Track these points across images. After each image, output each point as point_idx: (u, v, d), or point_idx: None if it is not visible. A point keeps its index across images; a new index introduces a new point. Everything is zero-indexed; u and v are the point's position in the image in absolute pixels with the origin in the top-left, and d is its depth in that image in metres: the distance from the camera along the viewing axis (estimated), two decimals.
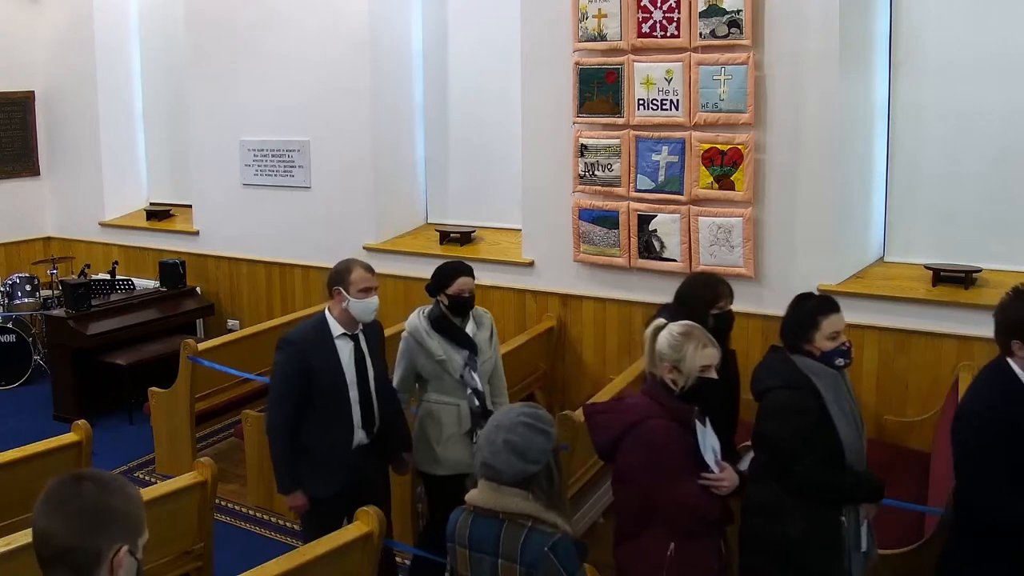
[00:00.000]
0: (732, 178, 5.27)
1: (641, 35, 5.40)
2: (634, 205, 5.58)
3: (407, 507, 4.75)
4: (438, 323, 3.97)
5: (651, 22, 5.36)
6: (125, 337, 6.87)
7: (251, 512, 5.36)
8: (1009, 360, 2.94)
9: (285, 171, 7.17)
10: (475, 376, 3.94)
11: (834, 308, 3.23)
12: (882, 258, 5.46)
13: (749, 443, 3.39)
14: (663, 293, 5.62)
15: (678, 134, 5.38)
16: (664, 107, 5.39)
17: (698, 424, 2.95)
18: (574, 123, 5.72)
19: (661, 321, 3.09)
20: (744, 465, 3.30)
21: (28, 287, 7.65)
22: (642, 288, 5.72)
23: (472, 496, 2.55)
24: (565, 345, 6.10)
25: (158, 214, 8.21)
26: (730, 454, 3.33)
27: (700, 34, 5.22)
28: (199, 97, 7.58)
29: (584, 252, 5.82)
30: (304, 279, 7.23)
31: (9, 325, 7.40)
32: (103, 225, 8.43)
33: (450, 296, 3.96)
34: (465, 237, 6.57)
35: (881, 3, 5.24)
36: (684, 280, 4.11)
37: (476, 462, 2.58)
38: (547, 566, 2.42)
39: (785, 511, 3.10)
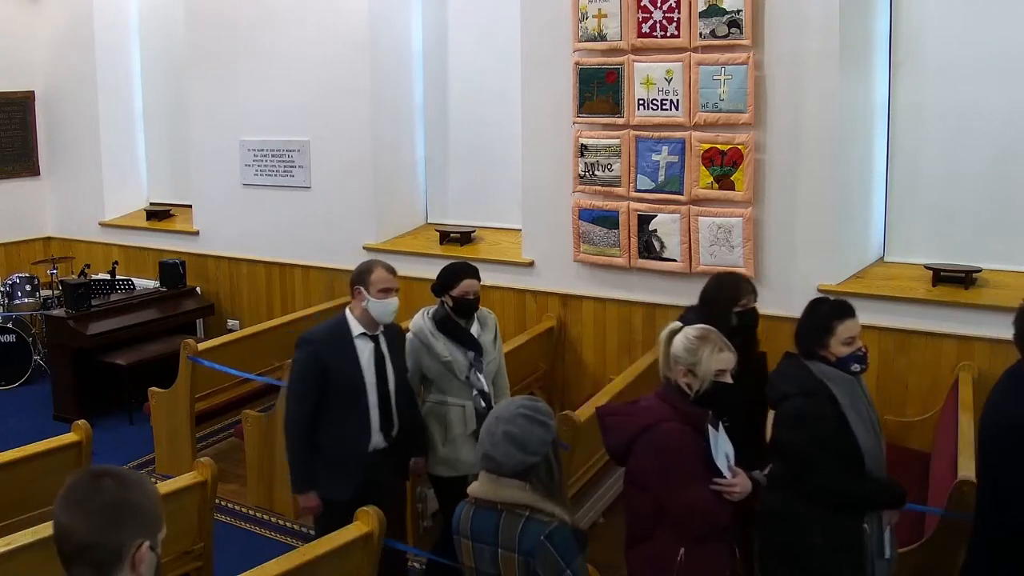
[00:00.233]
0: (732, 178, 5.27)
1: (641, 35, 5.40)
2: (634, 205, 5.58)
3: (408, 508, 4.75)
4: (443, 324, 3.96)
5: (651, 22, 5.36)
6: (125, 337, 6.87)
7: (251, 512, 5.36)
8: None
9: (285, 171, 7.17)
10: (480, 377, 3.94)
11: (849, 313, 3.19)
12: (882, 258, 5.46)
13: None
14: (663, 293, 5.65)
15: (678, 134, 5.38)
16: (664, 107, 5.39)
17: (711, 429, 2.92)
18: (574, 123, 5.72)
19: (677, 324, 3.07)
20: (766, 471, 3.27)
21: (28, 287, 7.65)
22: (642, 288, 5.72)
23: (473, 488, 2.63)
24: (565, 345, 6.10)
25: (158, 214, 8.21)
26: (756, 458, 3.27)
27: (700, 34, 5.22)
28: (199, 97, 7.58)
29: (584, 252, 5.82)
30: (304, 279, 7.23)
31: (9, 325, 7.40)
32: (103, 225, 8.43)
33: (455, 298, 3.96)
34: (465, 237, 6.57)
35: (881, 3, 5.24)
36: (708, 280, 4.09)
37: (477, 454, 2.64)
38: (543, 554, 2.47)
39: (806, 519, 3.06)
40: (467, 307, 3.98)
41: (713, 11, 5.16)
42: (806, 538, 3.06)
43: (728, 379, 2.95)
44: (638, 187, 5.55)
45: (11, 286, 7.63)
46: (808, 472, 3.04)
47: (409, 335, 4.02)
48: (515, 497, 2.54)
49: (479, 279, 4.03)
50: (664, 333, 3.05)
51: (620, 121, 5.54)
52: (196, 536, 3.84)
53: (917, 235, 5.34)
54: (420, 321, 4.00)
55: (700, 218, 5.39)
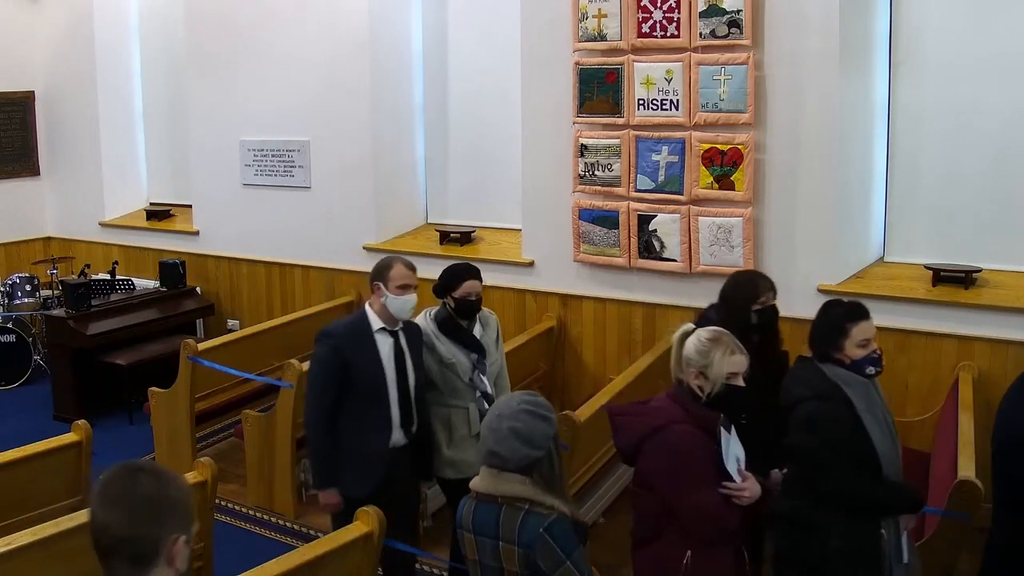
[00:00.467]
0: (732, 178, 5.27)
1: (641, 35, 5.40)
2: (634, 205, 5.58)
3: None
4: (445, 326, 3.95)
5: (651, 22, 5.36)
6: (125, 337, 6.87)
7: (251, 512, 5.36)
8: None
9: (285, 171, 7.17)
10: (484, 379, 3.92)
11: (864, 315, 3.15)
12: (882, 258, 5.46)
13: None
14: (663, 293, 5.66)
15: (678, 134, 5.38)
16: (664, 107, 5.39)
17: (722, 432, 2.90)
18: (574, 123, 5.72)
19: (689, 325, 3.06)
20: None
21: (28, 287, 7.65)
22: (642, 288, 5.73)
23: (474, 483, 2.66)
24: (565, 345, 6.10)
25: (158, 214, 8.21)
26: (771, 460, 3.25)
27: (700, 34, 5.22)
28: (199, 97, 7.58)
29: (584, 252, 5.82)
30: (304, 279, 7.23)
31: (9, 325, 7.40)
32: (103, 225, 8.43)
33: (457, 299, 3.94)
34: (465, 237, 6.57)
35: (881, 3, 5.24)
36: (727, 279, 4.06)
37: (481, 451, 2.66)
38: (543, 546, 2.50)
39: (822, 525, 3.04)
40: (469, 308, 3.96)
41: (713, 11, 5.16)
42: (822, 544, 3.03)
43: (740, 382, 2.93)
44: (638, 187, 5.55)
45: (11, 286, 7.63)
46: (823, 477, 3.01)
47: None
48: (515, 491, 2.57)
49: (481, 280, 4.02)
50: (677, 334, 3.03)
51: (620, 121, 5.54)
52: (196, 536, 3.82)
53: (917, 235, 5.34)
54: (423, 323, 3.99)
55: (700, 218, 5.39)
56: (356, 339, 3.73)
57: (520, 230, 6.27)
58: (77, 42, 8.31)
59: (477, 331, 4.02)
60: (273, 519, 5.28)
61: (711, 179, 5.33)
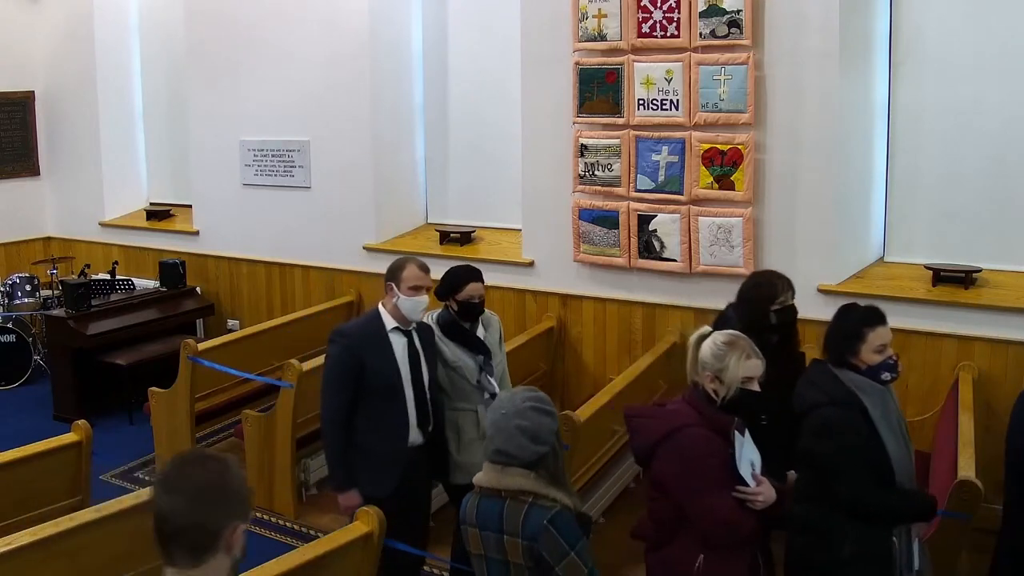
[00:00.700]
0: (732, 178, 5.27)
1: (641, 35, 5.39)
2: (634, 205, 5.58)
3: None
4: (449, 329, 3.94)
5: (651, 22, 5.36)
6: (125, 337, 6.87)
7: (251, 512, 5.35)
8: None
9: (285, 171, 7.17)
10: (491, 380, 3.90)
11: (881, 320, 3.13)
12: (882, 258, 5.46)
13: None
14: (663, 293, 5.66)
15: (678, 134, 5.38)
16: (664, 107, 5.39)
17: (736, 435, 2.89)
18: (574, 123, 5.71)
19: (706, 329, 3.05)
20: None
21: (28, 287, 7.65)
22: (642, 288, 5.73)
23: (478, 479, 2.71)
24: (565, 345, 6.10)
25: (158, 214, 8.21)
26: (785, 463, 3.23)
27: (700, 34, 5.22)
28: (199, 97, 7.58)
29: (584, 252, 5.82)
30: (304, 279, 7.23)
31: (9, 325, 7.40)
32: (103, 225, 8.43)
33: (460, 301, 3.93)
34: (465, 237, 6.57)
35: (881, 3, 5.24)
36: (745, 279, 4.06)
37: (487, 449, 2.69)
38: (547, 538, 2.53)
39: (833, 531, 3.03)
40: (472, 310, 3.96)
41: (713, 11, 5.16)
42: (834, 551, 3.02)
43: (755, 387, 2.92)
44: (638, 187, 5.55)
45: (11, 286, 7.63)
46: (836, 484, 2.99)
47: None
48: (519, 484, 2.60)
49: (483, 282, 4.01)
50: (693, 337, 3.03)
51: (620, 121, 5.54)
52: None
53: (917, 235, 5.34)
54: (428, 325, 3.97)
55: (700, 218, 5.39)
56: (370, 339, 3.72)
57: (520, 230, 6.27)
58: (77, 42, 8.31)
59: (480, 333, 4.01)
60: (273, 519, 5.28)
61: (711, 179, 5.33)
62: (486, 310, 4.10)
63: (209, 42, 7.42)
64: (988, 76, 5.03)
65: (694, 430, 2.88)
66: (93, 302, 6.86)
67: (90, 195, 8.46)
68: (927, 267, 5.14)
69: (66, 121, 8.58)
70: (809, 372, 3.26)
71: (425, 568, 4.39)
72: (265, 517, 5.30)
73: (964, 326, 4.88)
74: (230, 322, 7.63)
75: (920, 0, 5.18)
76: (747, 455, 2.89)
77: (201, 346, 5.82)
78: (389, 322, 3.77)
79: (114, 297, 7.15)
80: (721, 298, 5.41)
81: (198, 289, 7.65)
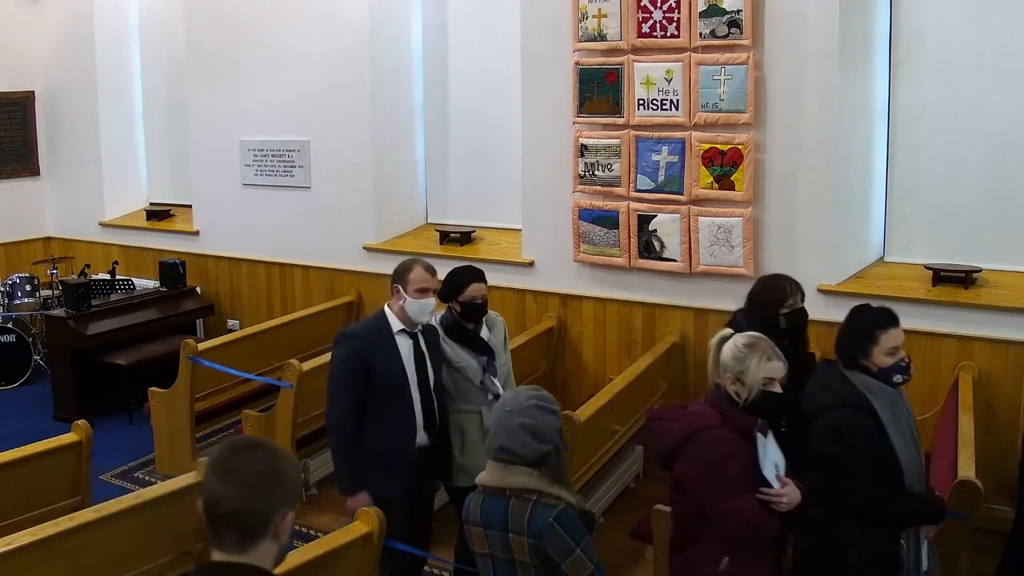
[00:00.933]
0: (732, 178, 5.27)
1: (641, 35, 5.39)
2: (634, 205, 5.58)
3: None
4: (453, 330, 3.93)
5: (651, 22, 5.36)
6: (125, 337, 6.86)
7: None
8: None
9: (285, 171, 7.17)
10: (495, 381, 3.88)
11: (893, 322, 3.11)
12: (882, 258, 5.46)
13: None
14: (663, 293, 5.66)
15: (678, 134, 5.38)
16: (664, 107, 5.39)
17: (759, 437, 2.88)
18: (574, 123, 5.72)
19: (728, 331, 3.04)
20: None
21: (28, 287, 7.65)
22: (642, 288, 5.73)
23: (481, 478, 2.73)
24: (565, 345, 6.10)
25: (158, 214, 8.21)
26: (794, 464, 3.20)
27: (700, 34, 5.22)
28: (199, 97, 7.58)
29: (584, 252, 5.82)
30: (304, 279, 7.23)
31: (9, 325, 7.40)
32: (103, 225, 8.43)
33: (463, 302, 3.91)
34: (465, 237, 6.57)
35: (881, 3, 5.24)
36: (755, 283, 4.05)
37: (491, 446, 2.72)
38: (552, 535, 2.57)
39: (841, 533, 3.02)
40: (475, 311, 3.93)
41: (713, 11, 5.16)
42: (841, 552, 3.02)
43: (777, 388, 2.91)
44: (638, 187, 5.55)
45: (11, 286, 7.63)
46: (845, 487, 2.98)
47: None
48: (523, 483, 2.63)
49: (486, 282, 3.99)
50: (714, 339, 3.02)
51: (620, 121, 5.54)
52: (196, 536, 3.83)
53: (917, 235, 5.34)
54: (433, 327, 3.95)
55: (700, 218, 5.39)
56: (377, 340, 3.71)
57: (520, 230, 6.27)
58: (77, 42, 8.31)
59: (484, 334, 3.99)
60: None
61: (711, 179, 5.33)
62: (490, 311, 4.07)
63: (209, 42, 7.42)
64: (988, 76, 5.03)
65: (716, 431, 2.86)
66: (93, 302, 6.86)
67: (90, 195, 8.47)
68: (927, 267, 5.14)
69: (66, 121, 8.58)
70: (819, 373, 3.25)
71: (426, 568, 4.39)
72: None
73: (964, 326, 4.88)
74: (230, 322, 7.63)
75: (920, 0, 5.18)
76: (771, 456, 2.88)
77: (201, 346, 5.82)
78: (395, 324, 3.75)
79: (114, 297, 7.15)
80: (721, 298, 5.45)
81: (198, 289, 7.65)
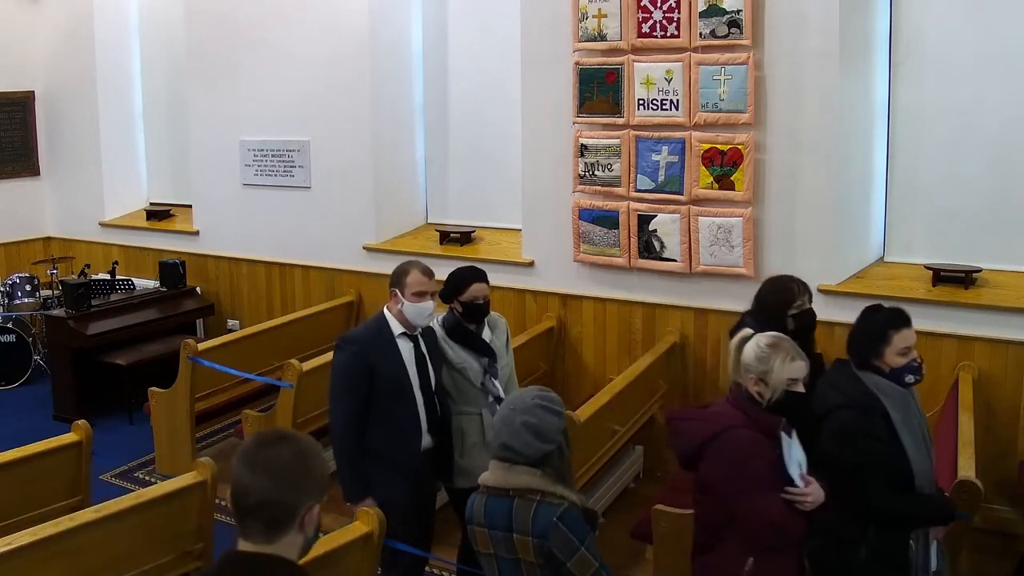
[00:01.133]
0: (732, 178, 5.27)
1: (641, 35, 5.39)
2: (634, 205, 5.57)
3: None
4: (454, 331, 3.90)
5: (651, 22, 5.36)
6: (125, 337, 6.87)
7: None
8: None
9: (285, 171, 7.17)
10: (496, 383, 3.86)
11: (906, 322, 3.10)
12: (882, 258, 5.46)
13: None
14: (663, 293, 5.66)
15: (678, 134, 5.38)
16: (664, 107, 5.39)
17: (784, 436, 2.87)
18: (574, 123, 5.71)
19: (748, 331, 3.03)
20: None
21: (28, 287, 7.65)
22: (642, 288, 5.72)
23: (484, 478, 2.74)
24: (565, 345, 6.10)
25: (158, 214, 8.21)
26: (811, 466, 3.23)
27: (700, 34, 5.21)
28: (199, 97, 7.58)
29: (584, 252, 5.82)
30: (304, 279, 7.23)
31: (9, 325, 7.40)
32: (103, 225, 8.43)
33: (464, 303, 3.88)
34: (465, 237, 6.57)
35: (881, 3, 5.24)
36: (762, 285, 4.04)
37: (493, 444, 2.74)
38: (557, 535, 2.58)
39: (851, 534, 3.01)
40: (477, 312, 3.90)
41: (713, 11, 5.16)
42: (850, 552, 3.01)
43: (800, 388, 2.90)
44: (638, 187, 5.55)
45: (11, 286, 7.63)
46: (855, 489, 2.98)
47: None
48: (526, 483, 2.64)
49: (488, 283, 3.96)
50: (735, 340, 3.01)
51: (620, 121, 5.54)
52: (196, 536, 3.84)
53: (917, 235, 5.34)
54: (432, 328, 3.93)
55: (700, 218, 5.39)
56: (378, 344, 3.68)
57: (520, 230, 6.27)
58: (77, 42, 8.31)
59: (486, 335, 3.96)
60: None
61: (711, 179, 5.33)
62: (493, 312, 4.04)
63: (209, 42, 7.42)
64: (988, 76, 5.03)
65: (741, 431, 2.85)
66: (93, 302, 6.86)
67: (90, 195, 8.46)
68: (927, 267, 5.14)
69: (66, 121, 8.58)
70: (831, 373, 3.25)
71: (427, 569, 4.39)
72: None
73: (964, 326, 4.88)
74: (230, 322, 7.63)
75: (920, 0, 5.18)
76: (795, 455, 2.87)
77: (201, 346, 5.82)
78: (396, 327, 3.73)
79: (114, 297, 7.15)
80: (721, 298, 5.45)
81: (198, 289, 7.65)
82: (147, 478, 5.77)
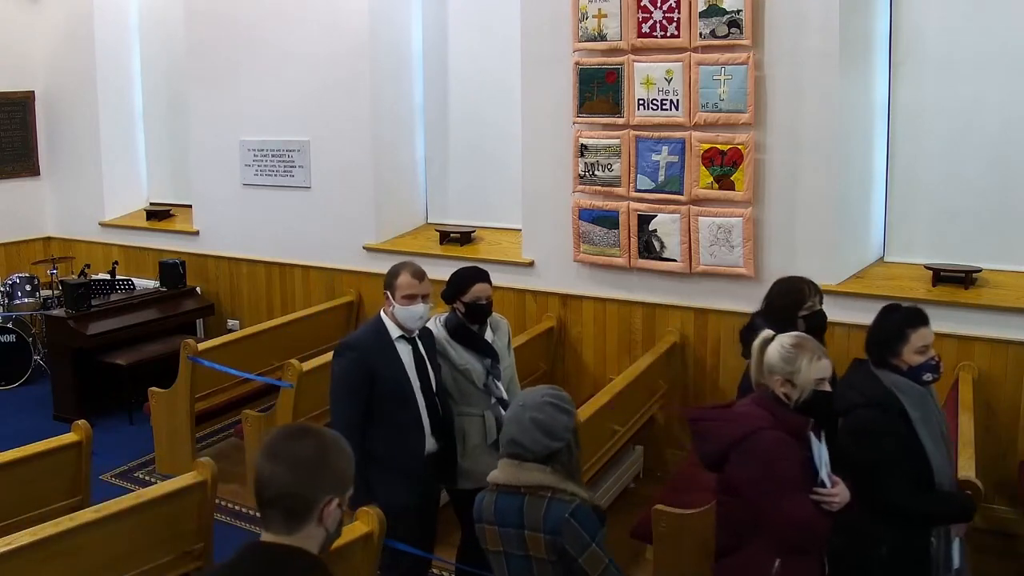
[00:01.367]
0: (732, 178, 5.27)
1: (641, 35, 5.39)
2: (634, 205, 5.57)
3: None
4: (457, 332, 3.87)
5: (651, 22, 5.36)
6: (125, 337, 6.86)
7: (251, 512, 5.36)
8: None
9: (285, 171, 7.17)
10: (499, 385, 3.84)
11: (923, 321, 3.13)
12: (882, 258, 5.46)
13: None
14: (663, 293, 5.66)
15: (678, 134, 5.38)
16: (664, 107, 5.39)
17: (812, 437, 2.87)
18: (574, 123, 5.71)
19: (769, 332, 3.02)
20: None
21: (28, 287, 7.65)
22: (642, 288, 5.72)
23: (494, 476, 2.75)
24: (565, 345, 6.10)
25: (158, 214, 8.21)
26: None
27: (700, 34, 5.21)
28: (199, 97, 7.58)
29: (584, 252, 5.82)
30: (304, 279, 7.23)
31: (9, 325, 7.40)
32: (103, 225, 8.43)
33: (467, 303, 3.86)
34: (465, 237, 6.57)
35: (881, 3, 5.24)
36: (772, 286, 4.03)
37: (502, 440, 2.77)
38: (569, 531, 2.60)
39: (871, 533, 3.02)
40: (480, 312, 3.88)
41: (713, 11, 5.16)
42: (872, 551, 3.02)
43: (828, 387, 2.89)
44: (638, 187, 5.55)
45: (11, 286, 7.63)
46: (874, 488, 2.98)
47: None
48: (537, 480, 2.66)
49: (491, 283, 3.94)
50: (757, 342, 3.00)
51: (620, 121, 5.54)
52: (196, 536, 3.84)
53: (917, 235, 5.34)
54: (434, 329, 3.90)
55: (700, 218, 5.39)
56: (377, 349, 3.64)
57: (520, 230, 6.27)
58: (77, 42, 8.31)
59: (488, 335, 3.94)
60: None
61: (711, 179, 5.33)
62: (495, 313, 4.02)
63: (209, 42, 7.43)
64: (988, 76, 5.03)
65: (769, 433, 2.83)
66: (93, 302, 6.86)
67: (90, 195, 8.47)
68: (927, 267, 5.14)
69: (66, 121, 8.58)
70: (850, 372, 3.26)
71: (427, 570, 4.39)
72: None
73: (964, 326, 4.88)
74: (230, 322, 7.63)
75: (920, 0, 5.18)
76: (823, 456, 2.87)
77: (201, 346, 5.82)
78: (394, 330, 3.69)
79: (114, 297, 7.15)
80: (721, 298, 5.45)
81: (198, 289, 7.65)
82: (147, 478, 5.77)
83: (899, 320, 3.15)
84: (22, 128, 8.65)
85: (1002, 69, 4.99)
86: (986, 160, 5.08)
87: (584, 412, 4.42)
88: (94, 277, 7.51)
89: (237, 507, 5.39)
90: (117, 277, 7.47)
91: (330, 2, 6.74)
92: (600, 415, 4.60)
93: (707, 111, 5.27)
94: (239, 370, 5.90)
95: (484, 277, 3.92)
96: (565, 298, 6.05)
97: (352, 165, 6.81)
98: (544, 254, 6.09)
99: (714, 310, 5.52)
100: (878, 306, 4.95)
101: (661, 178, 5.47)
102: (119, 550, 3.48)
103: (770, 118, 5.19)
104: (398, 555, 3.64)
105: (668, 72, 5.34)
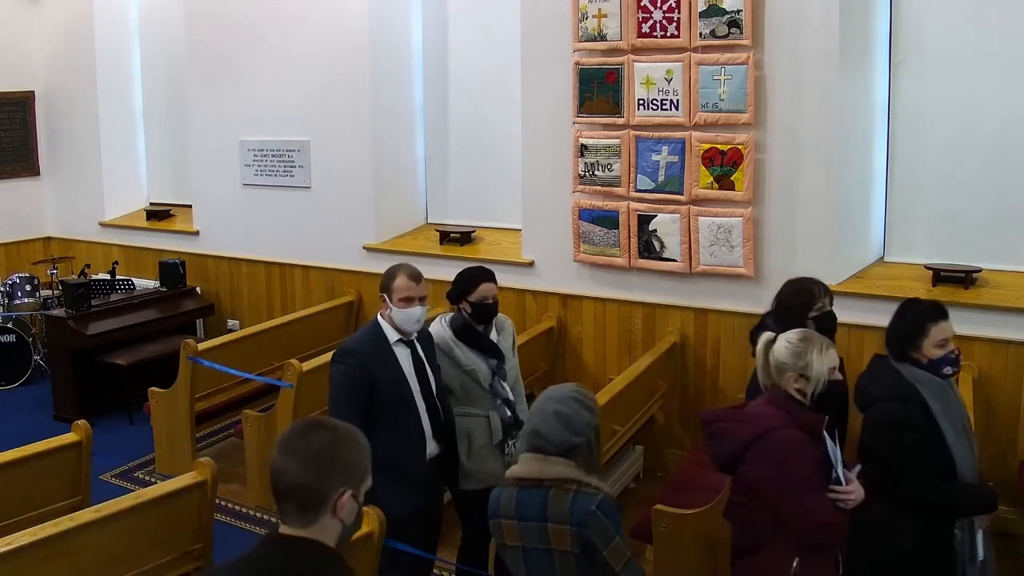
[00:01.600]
0: (732, 178, 5.27)
1: (641, 35, 5.39)
2: (634, 205, 5.57)
3: None
4: (463, 332, 3.85)
5: (651, 22, 5.36)
6: (125, 337, 6.87)
7: (251, 512, 5.36)
8: None
9: (285, 171, 7.17)
10: (504, 385, 3.83)
11: (943, 315, 3.16)
12: (882, 258, 5.46)
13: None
14: (663, 293, 5.66)
15: (678, 134, 5.38)
16: (664, 107, 5.39)
17: (827, 435, 2.87)
18: (574, 123, 5.71)
19: (769, 334, 3.04)
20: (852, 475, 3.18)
21: (28, 287, 7.65)
22: (642, 288, 5.72)
23: (515, 470, 2.78)
24: (565, 345, 6.10)
25: (158, 214, 8.21)
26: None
27: (700, 34, 5.21)
28: (199, 96, 7.58)
29: (584, 252, 5.82)
30: (304, 279, 7.23)
31: (9, 325, 7.40)
32: (103, 225, 8.43)
33: (473, 303, 3.84)
34: (465, 237, 6.57)
35: (881, 3, 5.24)
36: (782, 287, 4.01)
37: (525, 430, 2.82)
38: (595, 523, 2.65)
39: (895, 526, 3.02)
40: (486, 312, 3.86)
41: (713, 11, 5.16)
42: (895, 544, 3.03)
43: (839, 376, 2.93)
44: (638, 187, 5.55)
45: (11, 286, 7.63)
46: (897, 481, 2.99)
47: None
48: (562, 473, 2.70)
49: (496, 283, 3.92)
50: (760, 345, 3.02)
51: (620, 121, 5.54)
52: (196, 536, 3.84)
53: (917, 235, 5.34)
54: (439, 329, 3.87)
55: (700, 218, 5.39)
56: (376, 354, 3.61)
57: (520, 230, 6.27)
58: (77, 42, 8.31)
59: (493, 336, 3.92)
60: (273, 519, 5.27)
61: (711, 179, 5.33)
62: (500, 314, 4.00)
63: (209, 42, 7.43)
64: (988, 76, 5.03)
65: (784, 432, 2.84)
66: (93, 302, 6.86)
67: (90, 195, 8.47)
68: (927, 267, 5.14)
69: (66, 121, 8.58)
70: (871, 366, 3.28)
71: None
72: (265, 517, 5.30)
73: (964, 326, 4.85)
74: (230, 322, 7.63)
75: (920, 0, 5.18)
76: (837, 454, 2.88)
77: (201, 346, 5.82)
78: (392, 334, 3.66)
79: (114, 297, 7.15)
80: (721, 298, 5.45)
81: (198, 289, 7.65)
82: (147, 478, 5.77)
83: (918, 314, 3.18)
84: (22, 128, 8.65)
85: (1002, 69, 4.99)
86: (986, 160, 5.08)
87: None
88: (94, 277, 7.51)
89: (237, 507, 5.40)
90: (117, 277, 7.47)
91: (330, 2, 6.74)
92: (600, 415, 4.58)
93: (707, 111, 5.27)
94: (239, 370, 5.90)
95: (490, 277, 3.91)
96: (565, 298, 6.05)
97: (352, 165, 6.81)
98: (544, 254, 6.09)
99: (714, 310, 5.52)
100: (878, 306, 5.00)
101: (661, 178, 5.47)
102: (119, 550, 3.48)
103: (770, 118, 5.19)
104: (397, 554, 3.63)
105: (668, 72, 5.34)
